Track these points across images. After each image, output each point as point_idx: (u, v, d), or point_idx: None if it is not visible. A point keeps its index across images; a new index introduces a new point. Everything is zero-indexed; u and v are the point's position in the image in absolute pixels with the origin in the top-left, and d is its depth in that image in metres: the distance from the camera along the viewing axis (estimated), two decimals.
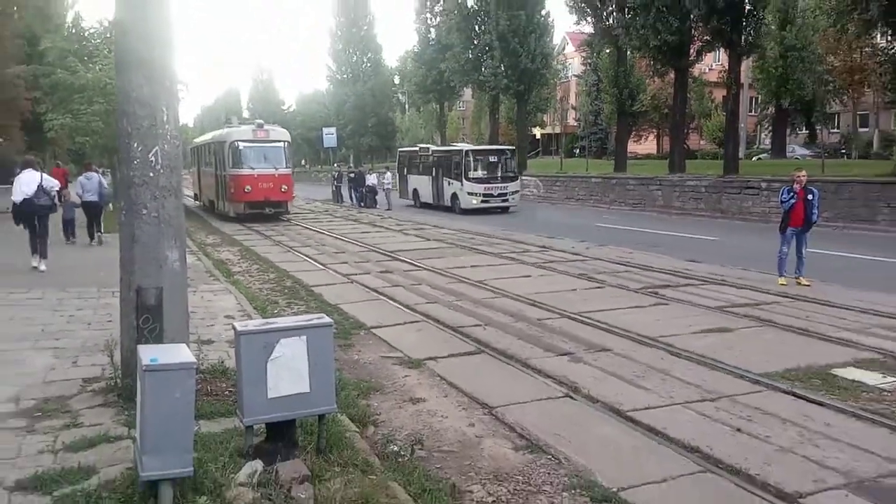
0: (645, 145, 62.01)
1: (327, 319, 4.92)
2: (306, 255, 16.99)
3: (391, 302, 11.31)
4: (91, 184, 17.40)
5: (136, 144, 5.81)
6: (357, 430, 5.65)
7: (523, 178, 34.13)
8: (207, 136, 34.23)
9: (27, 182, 13.34)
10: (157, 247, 5.87)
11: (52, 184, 13.90)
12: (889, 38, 23.44)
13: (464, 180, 28.33)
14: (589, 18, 34.40)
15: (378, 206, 32.69)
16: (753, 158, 44.93)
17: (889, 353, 7.87)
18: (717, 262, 14.70)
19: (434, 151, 32.22)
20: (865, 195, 21.51)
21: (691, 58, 30.73)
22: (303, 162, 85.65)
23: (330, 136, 48.40)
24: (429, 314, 10.25)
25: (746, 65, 38.87)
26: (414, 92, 62.17)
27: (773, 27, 37.03)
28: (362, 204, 33.87)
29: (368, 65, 69.14)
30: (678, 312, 10.19)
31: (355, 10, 68.33)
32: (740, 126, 35.67)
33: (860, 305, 10.25)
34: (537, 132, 70.63)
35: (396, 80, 77.35)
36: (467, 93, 63.46)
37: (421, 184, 32.41)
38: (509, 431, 5.91)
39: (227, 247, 19.51)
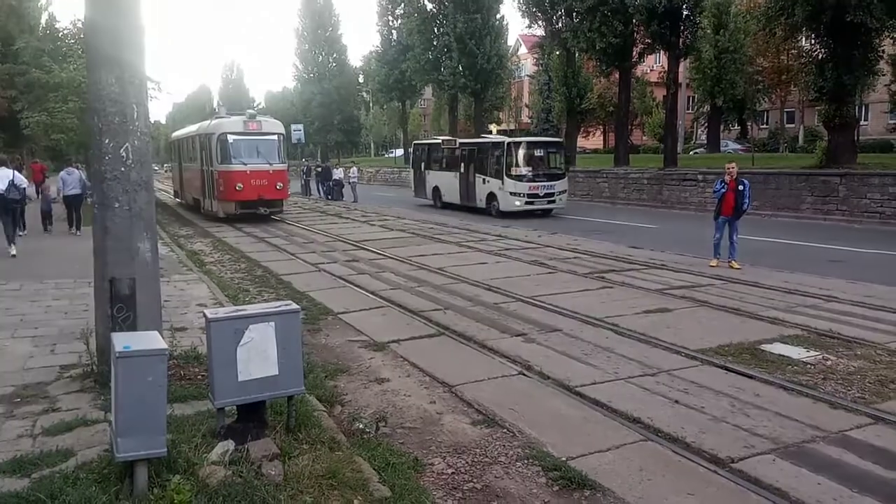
0: (592, 141, 62.62)
1: (295, 306, 4.87)
2: (276, 246, 16.78)
3: (357, 289, 11.24)
4: (72, 179, 17.64)
5: (107, 140, 5.67)
6: (325, 409, 5.62)
7: None
8: (192, 128, 27.47)
9: (0, 178, 13.54)
10: (129, 239, 5.76)
11: (23, 181, 14.36)
12: (812, 40, 23.92)
13: (505, 178, 22.44)
14: (540, 22, 34.41)
15: (344, 199, 32.65)
16: (691, 153, 45.64)
17: (812, 329, 8.10)
18: (657, 247, 14.97)
19: (462, 144, 26.27)
20: (791, 186, 22.09)
21: (634, 59, 31.04)
22: None
23: (297, 132, 47.80)
24: (392, 300, 10.23)
25: (684, 66, 39.43)
26: (377, 90, 61.76)
27: (708, 31, 37.49)
28: (329, 197, 33.78)
29: (334, 65, 68.25)
30: (622, 295, 10.34)
31: (321, 12, 67.42)
32: (679, 123, 36.21)
33: (786, 286, 10.53)
34: (494, 129, 70.68)
35: (361, 79, 76.51)
36: (428, 91, 63.22)
37: (443, 181, 26.87)
38: (467, 407, 5.94)
39: (199, 238, 19.15)
